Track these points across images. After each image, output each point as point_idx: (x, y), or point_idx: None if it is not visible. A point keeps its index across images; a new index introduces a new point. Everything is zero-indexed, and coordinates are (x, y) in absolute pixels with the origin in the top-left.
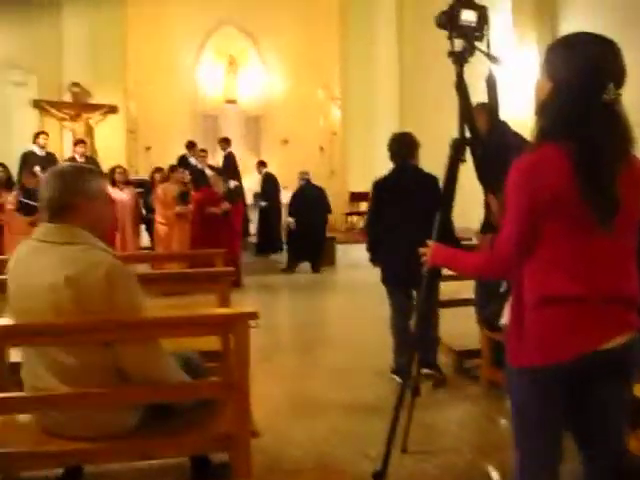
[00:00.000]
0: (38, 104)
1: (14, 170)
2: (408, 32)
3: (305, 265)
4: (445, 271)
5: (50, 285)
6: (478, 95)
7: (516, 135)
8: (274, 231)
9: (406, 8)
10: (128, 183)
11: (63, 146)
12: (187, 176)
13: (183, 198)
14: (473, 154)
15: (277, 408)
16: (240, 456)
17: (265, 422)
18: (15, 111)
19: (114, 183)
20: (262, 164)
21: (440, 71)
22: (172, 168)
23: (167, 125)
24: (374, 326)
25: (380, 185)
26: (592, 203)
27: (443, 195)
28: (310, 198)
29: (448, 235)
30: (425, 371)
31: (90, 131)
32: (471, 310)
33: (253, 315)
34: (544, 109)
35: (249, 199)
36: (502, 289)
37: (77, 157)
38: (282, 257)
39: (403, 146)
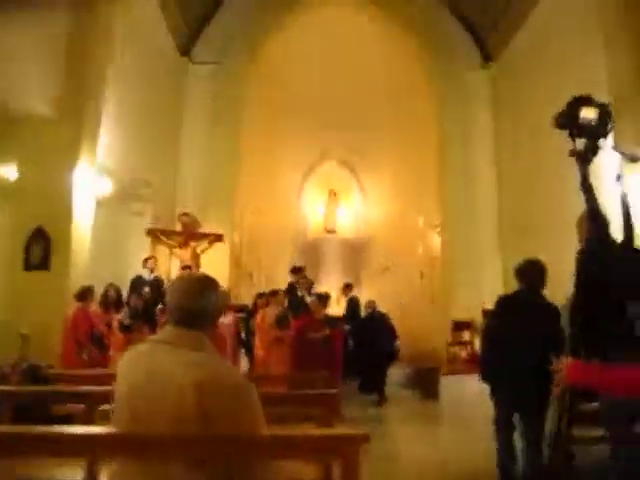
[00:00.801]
0: (151, 232)
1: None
2: (505, 160)
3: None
4: None
5: (176, 387)
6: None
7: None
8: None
9: (503, 134)
10: (230, 308)
11: (171, 270)
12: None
13: (282, 323)
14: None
15: None
16: None
17: None
18: (131, 238)
19: None
20: (348, 287)
21: (541, 194)
22: (272, 293)
23: (270, 253)
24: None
25: (503, 303)
26: None
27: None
28: (374, 326)
29: None
30: None
31: (196, 257)
32: None
33: (365, 438)
34: None
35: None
36: None
37: None
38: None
39: (537, 274)
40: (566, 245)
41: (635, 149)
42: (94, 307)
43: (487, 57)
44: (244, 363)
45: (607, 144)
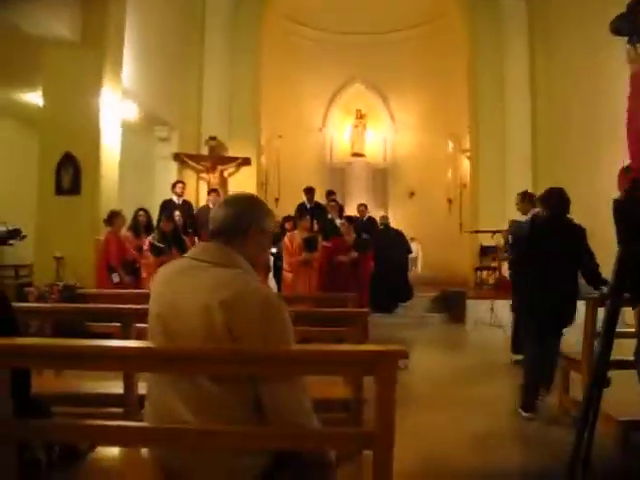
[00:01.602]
0: (178, 157)
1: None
2: (541, 82)
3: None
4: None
5: (204, 306)
6: None
7: None
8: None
9: (538, 57)
10: None
11: (199, 195)
12: (315, 225)
13: (309, 245)
14: None
15: (410, 473)
16: None
17: None
18: (158, 164)
19: None
20: (364, 206)
21: (577, 118)
22: (299, 215)
23: (296, 177)
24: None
25: (536, 225)
26: None
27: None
28: (389, 241)
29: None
30: None
31: (224, 182)
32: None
33: (403, 353)
34: None
35: None
36: None
37: (210, 205)
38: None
39: (562, 201)
40: (600, 171)
41: None
42: (124, 232)
43: None
44: (272, 285)
45: None
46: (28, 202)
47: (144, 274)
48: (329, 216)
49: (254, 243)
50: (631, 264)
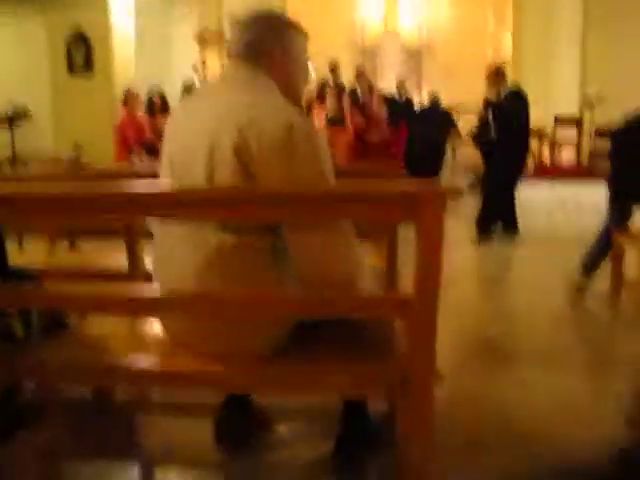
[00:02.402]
0: (201, 37)
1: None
2: None
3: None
4: None
5: (212, 131)
6: None
7: None
8: None
9: None
10: None
11: None
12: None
13: (336, 122)
14: None
15: (454, 350)
16: (420, 407)
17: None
18: (177, 42)
19: None
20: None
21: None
22: (323, 88)
23: (326, 54)
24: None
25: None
26: None
27: None
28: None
29: None
30: None
31: None
32: None
33: (459, 191)
34: None
35: None
36: None
37: None
38: None
39: None
40: None
41: None
42: (141, 113)
43: None
44: None
45: None
46: (42, 86)
47: None
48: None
49: (281, 69)
50: None
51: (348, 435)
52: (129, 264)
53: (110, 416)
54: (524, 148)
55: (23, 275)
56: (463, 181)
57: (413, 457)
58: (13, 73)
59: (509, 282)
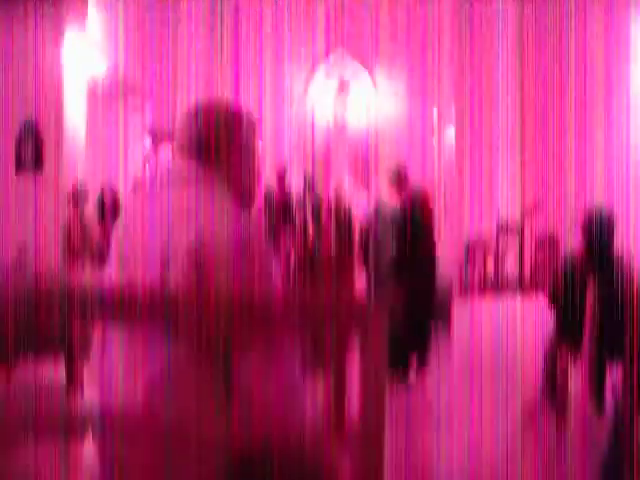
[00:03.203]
0: (153, 132)
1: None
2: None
3: None
4: None
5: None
6: None
7: None
8: None
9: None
10: None
11: None
12: None
13: None
14: None
15: None
16: None
17: None
18: (129, 136)
19: None
20: None
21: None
22: None
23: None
24: None
25: None
26: None
27: None
28: None
29: None
30: None
31: None
32: None
33: None
34: None
35: None
36: None
37: None
38: None
39: None
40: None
41: None
42: (90, 214)
43: None
44: None
45: None
46: None
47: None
48: None
49: (233, 162)
50: None
51: None
52: None
53: None
54: None
55: None
56: None
57: None
58: None
59: None
